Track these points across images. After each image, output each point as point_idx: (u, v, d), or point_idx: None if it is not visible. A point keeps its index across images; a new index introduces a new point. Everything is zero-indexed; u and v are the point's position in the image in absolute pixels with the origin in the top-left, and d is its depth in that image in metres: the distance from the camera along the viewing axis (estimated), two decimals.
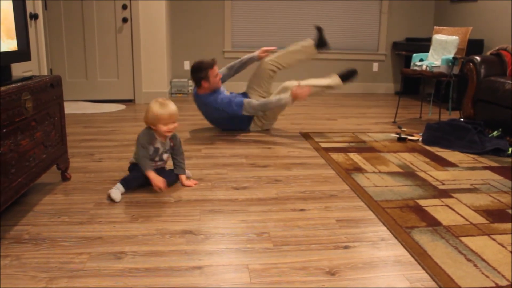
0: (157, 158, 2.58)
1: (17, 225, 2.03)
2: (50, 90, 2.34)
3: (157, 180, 2.44)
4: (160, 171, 2.58)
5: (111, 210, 2.22)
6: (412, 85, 6.66)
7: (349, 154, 3.31)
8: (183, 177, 2.62)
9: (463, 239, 1.97)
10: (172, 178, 2.60)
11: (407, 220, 2.15)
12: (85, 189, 2.50)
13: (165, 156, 2.62)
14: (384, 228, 2.07)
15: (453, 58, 4.24)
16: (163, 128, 2.48)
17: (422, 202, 2.39)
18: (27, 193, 2.41)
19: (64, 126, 2.55)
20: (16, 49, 2.35)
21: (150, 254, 1.79)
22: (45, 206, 2.26)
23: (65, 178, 2.63)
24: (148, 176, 2.45)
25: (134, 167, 2.56)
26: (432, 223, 2.12)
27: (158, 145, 2.56)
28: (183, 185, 2.58)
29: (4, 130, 1.83)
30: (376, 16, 6.66)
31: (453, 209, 2.30)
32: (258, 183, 2.64)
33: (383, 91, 6.91)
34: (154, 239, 1.91)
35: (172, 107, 2.51)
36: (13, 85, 1.97)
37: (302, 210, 2.25)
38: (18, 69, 3.48)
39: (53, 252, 1.79)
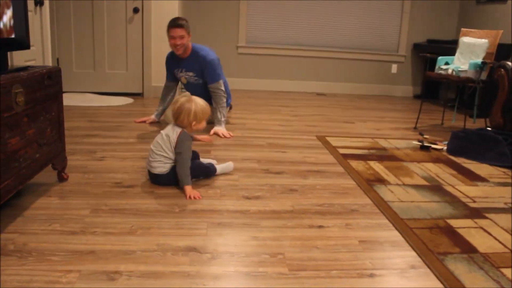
0: None
1: (3, 233, 1.82)
2: (47, 83, 2.12)
3: (194, 193, 2.31)
4: (198, 166, 2.52)
5: (108, 218, 2.00)
6: (432, 89, 6.38)
7: (369, 162, 3.06)
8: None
9: (504, 270, 1.73)
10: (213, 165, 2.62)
11: (439, 244, 1.91)
12: (82, 192, 2.29)
13: None
14: (413, 253, 1.83)
15: (482, 62, 3.97)
16: (200, 126, 2.47)
17: (453, 223, 2.14)
18: (19, 194, 2.20)
19: (62, 122, 2.34)
20: (13, 36, 2.14)
21: (148, 275, 1.57)
22: (36, 210, 2.05)
23: (61, 178, 2.42)
24: (185, 190, 2.31)
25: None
26: (467, 249, 1.88)
27: None
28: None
29: None
30: (397, 15, 6.39)
31: (489, 233, 2.05)
32: (271, 193, 2.41)
33: (401, 94, 6.64)
34: (154, 257, 1.69)
35: None
36: (3, 76, 1.75)
37: (320, 227, 2.02)
38: (20, 58, 3.29)
39: (39, 268, 1.57)
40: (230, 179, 2.58)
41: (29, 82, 1.92)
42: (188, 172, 2.33)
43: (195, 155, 2.61)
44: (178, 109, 2.39)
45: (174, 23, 3.57)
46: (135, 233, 1.87)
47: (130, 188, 2.37)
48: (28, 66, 2.15)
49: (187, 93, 2.46)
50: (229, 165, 2.69)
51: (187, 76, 3.81)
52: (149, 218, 2.02)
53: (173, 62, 3.84)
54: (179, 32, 3.56)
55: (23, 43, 2.34)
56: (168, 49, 4.80)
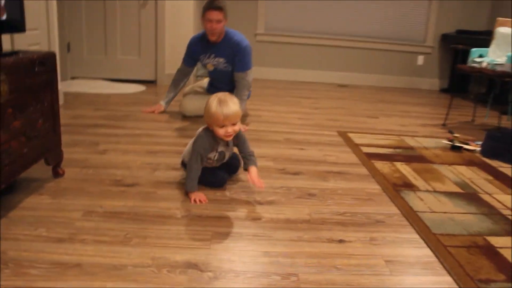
0: (218, 161, 2.21)
1: None
2: (38, 69, 1.90)
3: (199, 196, 2.05)
4: (211, 170, 2.17)
5: (101, 223, 1.78)
6: (460, 83, 6.01)
7: (395, 163, 2.79)
8: (253, 169, 2.14)
9: None
10: (223, 179, 2.23)
11: (479, 269, 1.64)
12: (78, 190, 2.08)
13: (227, 156, 2.24)
14: (449, 279, 1.57)
15: None
16: (219, 131, 2.04)
17: (494, 241, 1.87)
18: (8, 191, 1.99)
19: (57, 112, 2.12)
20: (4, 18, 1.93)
21: None
22: (24, 211, 1.84)
23: (57, 174, 2.20)
24: (189, 197, 2.05)
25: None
26: None
27: (221, 148, 2.15)
28: (253, 181, 2.09)
29: None
30: (424, 4, 6.02)
31: None
32: (287, 197, 2.16)
33: (427, 87, 6.30)
34: (147, 273, 1.46)
35: (231, 106, 2.02)
36: None
37: (341, 241, 1.77)
38: (23, 42, 3.08)
39: (13, 284, 1.36)
40: (241, 180, 2.34)
41: (15, 69, 1.70)
42: (194, 175, 2.06)
43: (234, 161, 2.34)
44: None
45: (212, 5, 3.22)
46: (129, 243, 1.64)
47: (130, 187, 2.15)
48: (19, 51, 1.93)
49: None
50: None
51: (215, 63, 3.50)
52: (147, 225, 1.79)
53: (200, 47, 3.51)
54: (217, 15, 3.22)
55: (17, 25, 2.12)
56: (185, 34, 4.54)
